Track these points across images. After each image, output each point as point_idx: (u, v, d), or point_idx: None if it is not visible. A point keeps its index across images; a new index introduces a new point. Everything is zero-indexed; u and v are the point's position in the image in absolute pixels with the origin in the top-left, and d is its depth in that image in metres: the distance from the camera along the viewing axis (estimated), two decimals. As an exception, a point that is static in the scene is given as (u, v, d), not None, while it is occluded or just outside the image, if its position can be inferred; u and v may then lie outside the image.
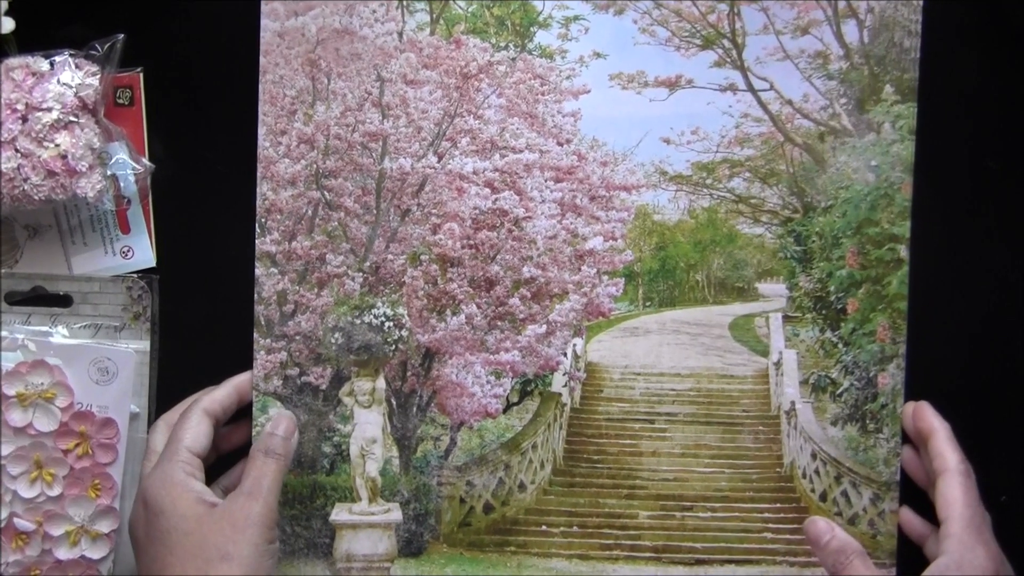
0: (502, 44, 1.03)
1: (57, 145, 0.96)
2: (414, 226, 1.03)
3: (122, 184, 1.02)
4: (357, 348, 1.02)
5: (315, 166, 1.02)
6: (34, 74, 0.98)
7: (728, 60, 1.02)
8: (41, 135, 0.96)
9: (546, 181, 1.04)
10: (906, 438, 1.00)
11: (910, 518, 1.00)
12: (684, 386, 1.05)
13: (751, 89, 1.02)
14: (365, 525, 1.02)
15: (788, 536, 1.02)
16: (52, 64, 0.98)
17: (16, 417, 1.01)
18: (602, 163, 1.03)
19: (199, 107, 1.04)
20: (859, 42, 1.00)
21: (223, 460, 1.01)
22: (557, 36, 1.02)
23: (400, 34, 1.03)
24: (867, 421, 1.02)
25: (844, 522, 1.01)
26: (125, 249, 1.04)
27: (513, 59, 1.03)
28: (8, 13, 0.99)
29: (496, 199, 1.03)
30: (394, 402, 1.04)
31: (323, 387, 1.03)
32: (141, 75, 1.03)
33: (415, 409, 1.04)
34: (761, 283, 1.06)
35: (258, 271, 1.02)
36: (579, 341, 1.05)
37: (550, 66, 1.03)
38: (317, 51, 1.02)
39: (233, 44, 1.02)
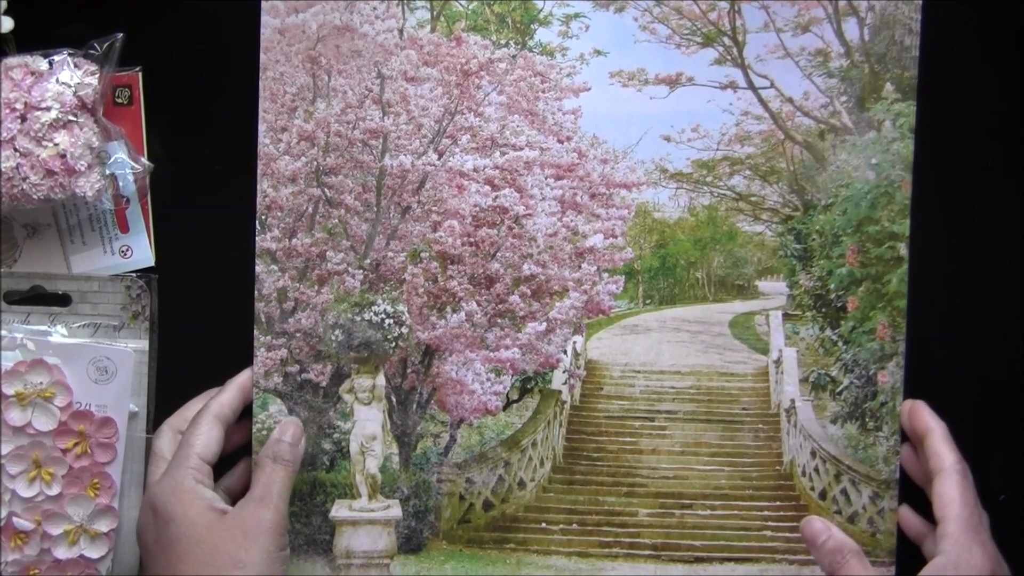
0: (502, 41, 1.03)
1: (56, 144, 0.96)
2: (414, 223, 1.03)
3: (121, 183, 1.02)
4: (357, 345, 1.02)
5: (315, 163, 1.02)
6: (33, 73, 0.98)
7: (728, 58, 1.01)
8: (40, 134, 0.96)
9: (546, 179, 1.03)
10: (906, 436, 1.00)
11: (909, 517, 1.00)
12: (684, 384, 1.05)
13: (751, 87, 1.01)
14: (365, 522, 1.02)
15: (787, 534, 1.02)
16: (51, 63, 0.98)
17: (15, 416, 1.01)
18: (602, 161, 1.03)
19: (198, 106, 1.04)
20: (860, 40, 1.00)
21: (223, 459, 1.00)
22: (557, 33, 1.02)
23: (401, 31, 1.02)
24: (867, 419, 1.02)
25: (843, 520, 1.02)
26: (124, 248, 1.04)
27: (513, 56, 1.03)
28: (7, 12, 0.99)
29: (496, 196, 1.03)
30: (394, 399, 1.04)
31: (323, 384, 1.03)
32: (140, 74, 1.03)
33: (415, 406, 1.04)
34: (761, 281, 1.05)
35: (258, 268, 1.02)
36: (579, 339, 1.05)
37: (550, 63, 1.02)
38: (317, 48, 1.02)
39: (233, 42, 1.02)
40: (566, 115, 1.03)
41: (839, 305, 1.02)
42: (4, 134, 0.96)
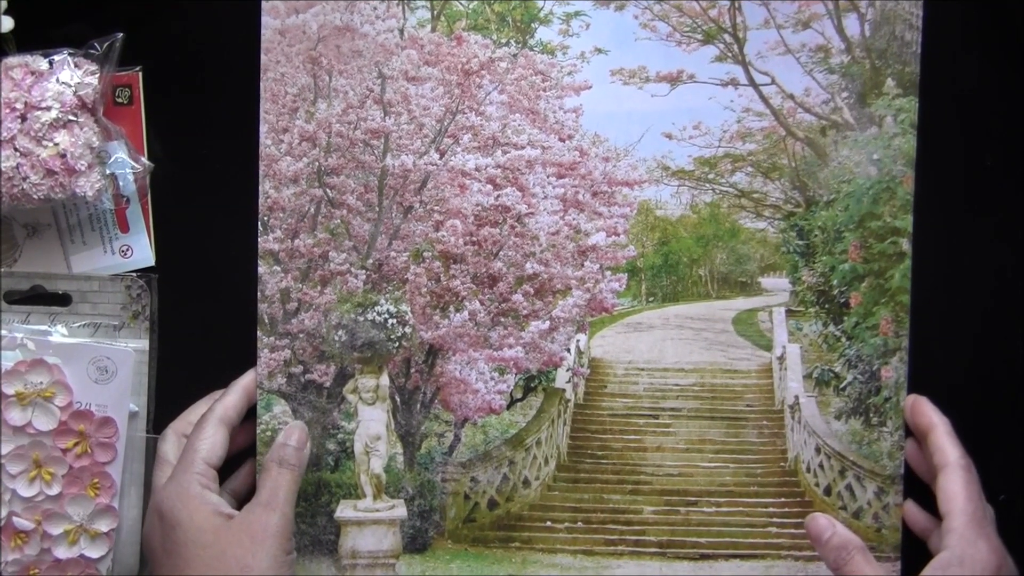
0: (503, 40, 1.03)
1: (56, 144, 0.96)
2: (417, 223, 1.03)
3: (121, 183, 1.02)
4: (361, 345, 1.02)
5: (317, 164, 1.02)
6: (33, 73, 0.97)
7: (729, 55, 1.02)
8: (40, 134, 0.96)
9: (548, 177, 1.03)
10: (910, 431, 1.00)
11: (914, 512, 1.00)
12: (688, 381, 1.05)
13: (752, 84, 1.02)
14: (370, 522, 1.02)
15: (793, 530, 1.02)
16: (51, 63, 0.98)
17: (15, 416, 1.00)
18: (604, 159, 1.03)
19: (198, 106, 1.04)
20: (860, 36, 1.01)
21: (228, 461, 1.00)
22: (558, 32, 1.02)
23: (401, 31, 1.02)
24: (871, 415, 1.02)
25: (848, 516, 1.02)
26: (124, 248, 1.04)
27: (514, 55, 1.03)
28: (7, 12, 0.99)
29: (498, 195, 1.03)
30: (398, 399, 1.04)
31: (327, 385, 1.03)
32: (140, 74, 1.03)
33: (419, 406, 1.04)
34: (764, 277, 1.06)
35: (261, 269, 1.01)
36: (582, 337, 1.05)
37: (551, 62, 1.03)
38: (318, 48, 1.02)
39: (233, 42, 1.02)
40: (567, 113, 1.03)
41: (842, 301, 1.03)
42: (4, 134, 0.95)
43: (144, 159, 1.03)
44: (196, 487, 0.92)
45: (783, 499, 1.04)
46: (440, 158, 1.02)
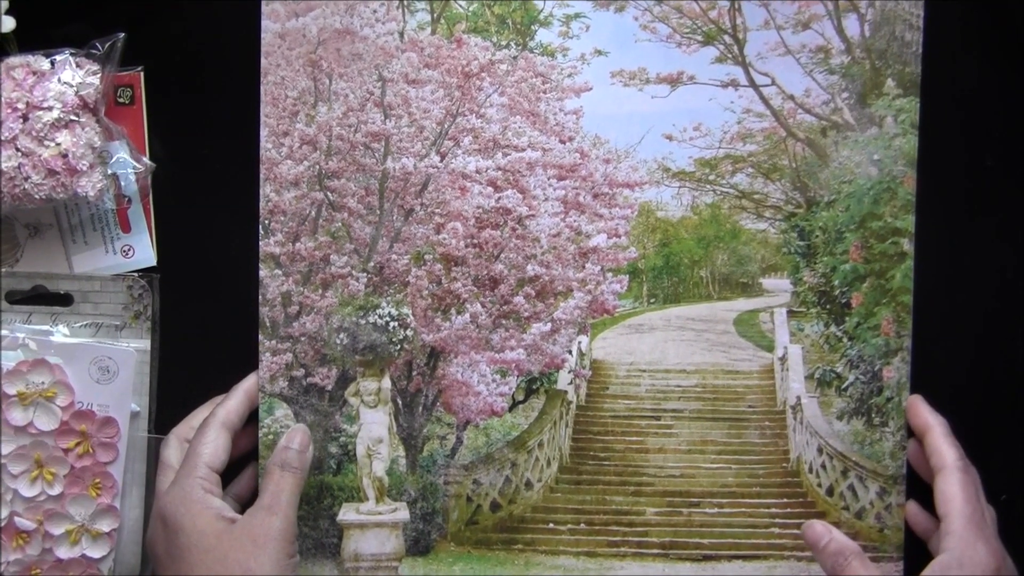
0: (503, 43, 1.03)
1: (58, 144, 0.96)
2: (418, 226, 1.03)
3: (123, 183, 1.02)
4: (362, 348, 1.02)
5: (318, 167, 1.02)
6: (35, 73, 0.98)
7: (729, 56, 1.02)
8: (42, 134, 0.96)
9: (549, 179, 1.04)
10: (912, 431, 1.00)
11: (916, 513, 1.00)
12: (690, 382, 1.05)
13: (753, 85, 1.02)
14: (372, 524, 1.01)
15: (795, 531, 1.02)
16: (53, 63, 0.98)
17: (17, 416, 1.00)
18: (605, 160, 1.03)
19: (200, 106, 1.04)
20: (860, 36, 1.01)
21: (230, 464, 0.99)
22: (558, 34, 1.03)
23: (401, 34, 1.03)
24: (873, 415, 1.02)
25: (851, 516, 1.01)
26: (126, 248, 1.04)
27: (514, 57, 1.03)
28: (9, 12, 0.99)
29: (499, 198, 1.03)
30: (400, 402, 1.03)
31: (329, 388, 1.03)
32: (142, 74, 1.03)
33: (421, 408, 1.03)
34: (765, 278, 1.06)
35: (262, 273, 1.01)
36: (584, 339, 1.05)
37: (551, 64, 1.03)
38: (318, 52, 1.02)
39: (234, 44, 1.02)
40: (568, 115, 1.03)
41: (843, 301, 1.03)
42: (6, 134, 0.95)
43: (146, 159, 1.03)
44: (199, 492, 0.92)
45: (785, 500, 1.03)
46: (441, 161, 1.02)
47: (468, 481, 1.03)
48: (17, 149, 0.96)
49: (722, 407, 1.04)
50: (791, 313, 1.05)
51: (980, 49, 1.03)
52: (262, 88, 1.01)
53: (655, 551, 1.02)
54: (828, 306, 1.04)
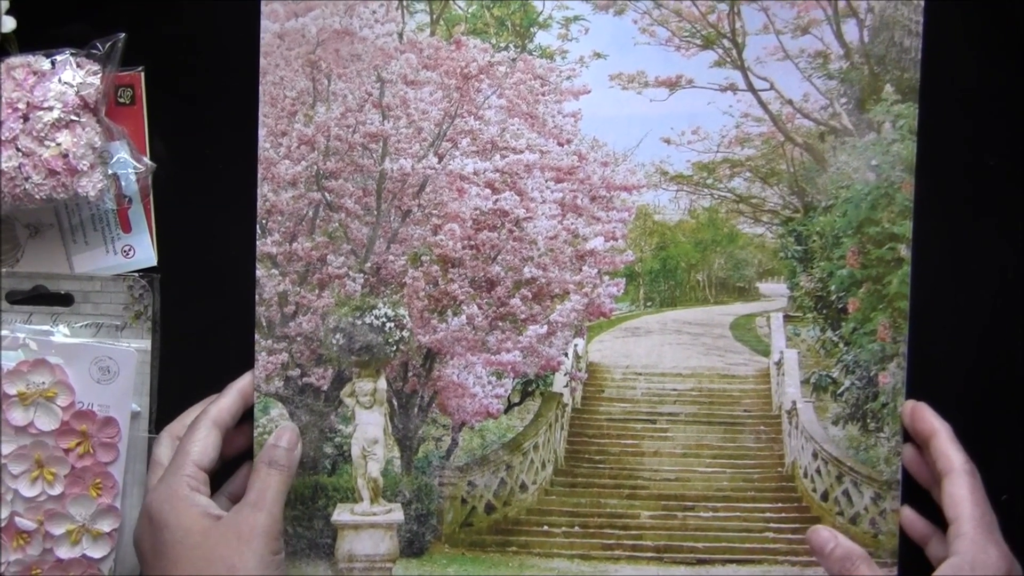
0: (502, 45, 1.03)
1: (58, 144, 0.96)
2: (415, 227, 1.03)
3: (123, 183, 1.02)
4: (358, 349, 1.02)
5: (316, 167, 1.02)
6: (35, 73, 0.98)
7: (728, 60, 1.02)
8: (42, 134, 0.96)
9: (547, 181, 1.04)
10: (907, 437, 1.00)
11: (911, 518, 1.00)
12: (685, 386, 1.05)
13: (751, 89, 1.02)
14: (367, 525, 1.02)
15: (790, 536, 1.02)
16: (53, 63, 0.99)
17: (17, 416, 1.01)
18: (603, 163, 1.03)
19: (200, 106, 1.04)
20: (859, 41, 1.01)
21: (226, 465, 1.00)
22: (557, 36, 1.02)
23: (400, 35, 1.03)
24: (868, 420, 1.02)
25: (845, 521, 1.02)
26: (126, 248, 1.04)
27: (513, 60, 1.03)
28: (9, 12, 1.00)
29: (497, 200, 1.03)
30: (395, 403, 1.04)
31: (324, 388, 1.03)
32: (142, 74, 1.03)
33: (416, 410, 1.04)
34: (762, 283, 1.06)
35: (259, 272, 1.01)
36: (580, 341, 1.05)
37: (550, 66, 1.03)
38: (317, 52, 1.02)
39: (233, 44, 1.02)
40: (566, 118, 1.03)
41: (840, 306, 1.03)
42: (6, 134, 0.96)
43: (146, 159, 1.03)
44: (185, 489, 0.92)
45: (780, 504, 1.04)
46: (439, 162, 1.03)
47: (463, 483, 1.04)
48: (18, 149, 0.96)
49: (718, 411, 1.05)
50: (787, 318, 1.05)
51: (980, 50, 1.03)
52: (261, 88, 1.01)
53: (649, 554, 1.03)
54: (824, 311, 1.03)
